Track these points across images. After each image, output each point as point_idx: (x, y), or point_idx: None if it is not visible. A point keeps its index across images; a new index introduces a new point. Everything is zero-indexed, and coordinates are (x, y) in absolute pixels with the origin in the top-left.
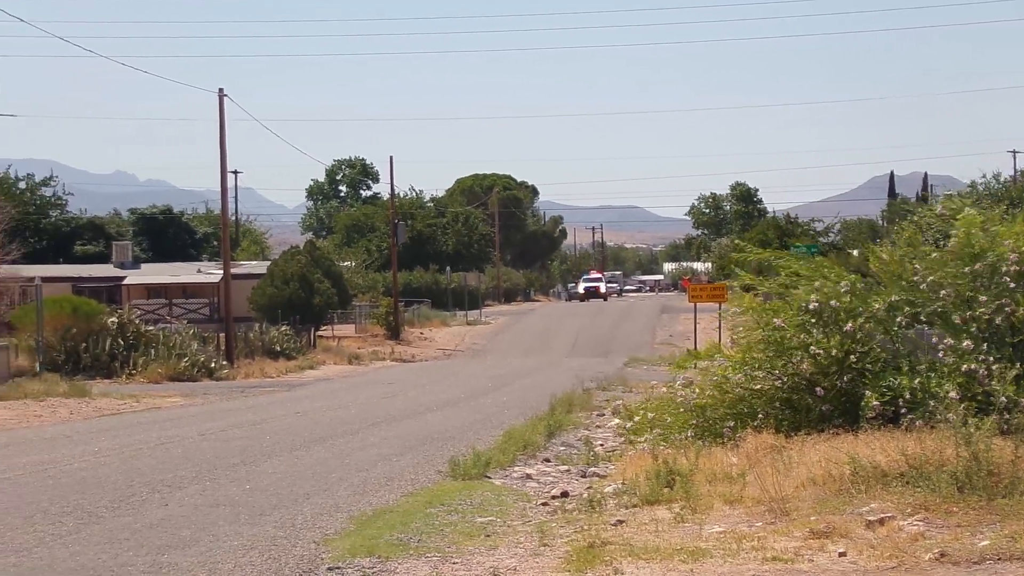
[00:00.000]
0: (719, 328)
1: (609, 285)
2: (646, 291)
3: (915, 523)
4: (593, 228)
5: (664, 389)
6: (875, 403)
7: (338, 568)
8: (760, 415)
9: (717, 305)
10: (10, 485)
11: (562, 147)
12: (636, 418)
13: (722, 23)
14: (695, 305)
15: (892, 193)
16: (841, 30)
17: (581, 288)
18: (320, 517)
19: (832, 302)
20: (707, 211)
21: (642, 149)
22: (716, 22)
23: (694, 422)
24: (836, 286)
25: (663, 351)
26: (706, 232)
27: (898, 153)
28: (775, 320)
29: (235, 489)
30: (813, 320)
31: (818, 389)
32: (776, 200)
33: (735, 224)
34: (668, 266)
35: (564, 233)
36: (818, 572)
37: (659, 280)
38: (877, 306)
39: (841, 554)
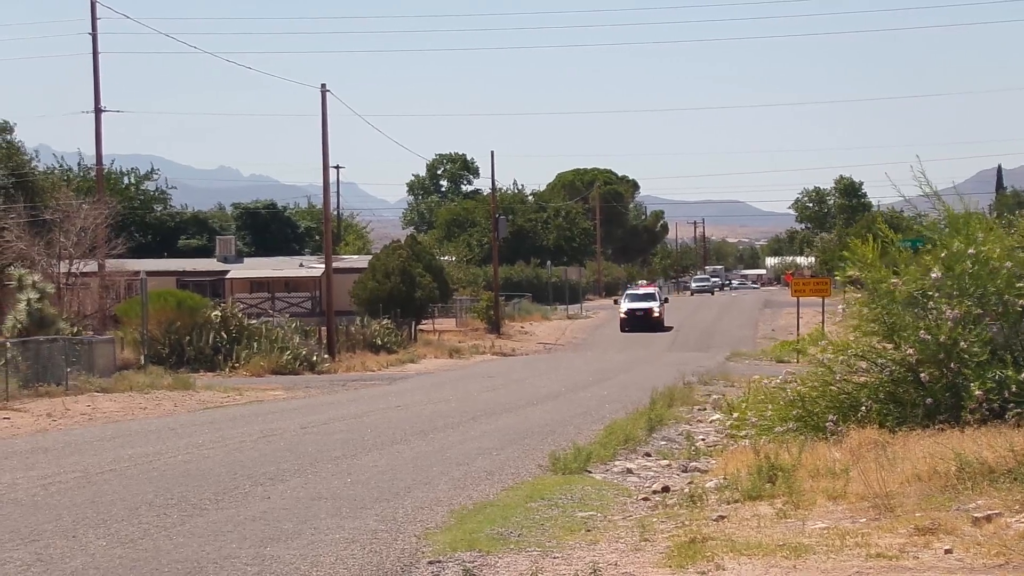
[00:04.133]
0: (822, 320)
1: (713, 279)
2: (750, 285)
3: (1023, 520)
4: (695, 223)
5: (765, 381)
6: (978, 392)
7: (438, 562)
8: (863, 409)
9: (820, 300)
10: (116, 477)
11: (663, 142)
12: (736, 413)
13: (829, 16)
14: (798, 300)
15: (1000, 186)
16: (950, 23)
17: (622, 310)
18: (421, 511)
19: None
20: (811, 205)
21: (745, 143)
22: (823, 15)
23: (795, 413)
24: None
25: (765, 345)
26: (809, 226)
27: (1007, 147)
28: (893, 280)
29: (336, 482)
30: (931, 292)
31: (923, 375)
32: (881, 195)
33: (839, 218)
34: (770, 260)
35: (665, 228)
36: (923, 569)
37: (761, 275)
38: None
39: (947, 551)
